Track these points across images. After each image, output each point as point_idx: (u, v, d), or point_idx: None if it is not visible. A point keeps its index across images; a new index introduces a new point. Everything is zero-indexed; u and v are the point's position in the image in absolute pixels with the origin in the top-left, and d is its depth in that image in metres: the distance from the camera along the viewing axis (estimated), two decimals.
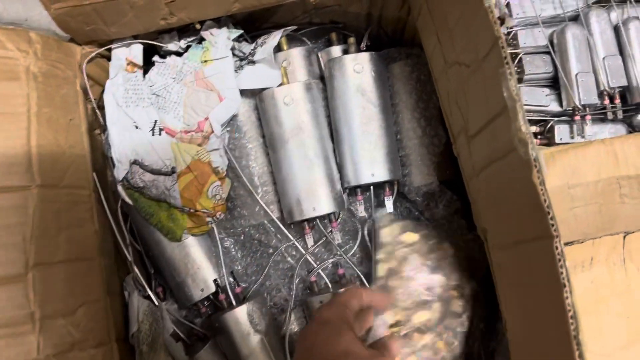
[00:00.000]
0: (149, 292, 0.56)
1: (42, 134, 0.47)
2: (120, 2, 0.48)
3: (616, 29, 0.58)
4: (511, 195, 0.38)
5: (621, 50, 0.57)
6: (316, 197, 0.54)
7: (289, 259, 0.58)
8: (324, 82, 0.60)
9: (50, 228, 0.46)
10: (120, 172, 0.55)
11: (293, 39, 0.62)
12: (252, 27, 0.60)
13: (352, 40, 0.60)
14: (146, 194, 0.55)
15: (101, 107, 0.56)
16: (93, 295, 0.49)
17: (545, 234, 0.34)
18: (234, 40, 0.57)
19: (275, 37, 0.57)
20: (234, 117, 0.58)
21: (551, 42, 0.59)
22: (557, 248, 0.34)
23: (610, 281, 0.48)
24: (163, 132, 0.56)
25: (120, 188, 0.56)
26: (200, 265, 0.57)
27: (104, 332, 0.49)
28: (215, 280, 0.56)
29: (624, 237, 0.48)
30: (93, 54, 0.54)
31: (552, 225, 0.33)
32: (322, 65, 0.60)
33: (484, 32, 0.36)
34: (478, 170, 0.44)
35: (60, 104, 0.50)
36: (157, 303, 0.55)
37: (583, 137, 0.58)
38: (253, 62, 0.57)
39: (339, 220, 0.57)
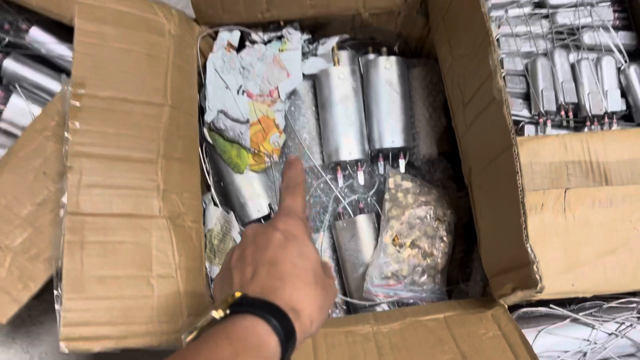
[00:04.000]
0: (219, 205, 0.76)
1: (174, 75, 0.68)
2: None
3: (572, 66, 0.82)
4: (489, 130, 0.60)
5: (575, 79, 0.81)
6: (351, 146, 0.76)
7: (323, 196, 0.78)
8: (362, 78, 0.83)
9: (173, 134, 0.66)
10: (210, 116, 0.76)
11: (341, 48, 0.85)
12: (315, 33, 0.84)
13: (384, 49, 0.83)
14: (224, 135, 0.76)
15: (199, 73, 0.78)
16: (193, 186, 0.69)
17: (509, 144, 0.55)
18: (303, 40, 0.80)
19: (332, 40, 0.81)
20: (296, 92, 0.80)
21: (526, 67, 0.83)
22: (515, 153, 0.54)
23: (553, 223, 0.68)
24: (245, 94, 0.77)
25: (205, 130, 0.77)
26: (259, 193, 0.77)
27: (197, 212, 0.68)
28: (269, 205, 0.76)
29: (565, 191, 0.69)
30: (205, 33, 0.77)
31: (513, 137, 0.54)
32: (361, 65, 0.83)
33: (480, 28, 0.59)
34: (469, 124, 0.65)
35: (186, 59, 0.72)
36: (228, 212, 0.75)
37: (544, 134, 0.80)
38: (315, 55, 0.80)
39: (364, 168, 0.78)
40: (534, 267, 0.51)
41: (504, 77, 0.81)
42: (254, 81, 0.78)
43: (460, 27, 0.66)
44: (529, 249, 0.52)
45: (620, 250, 0.68)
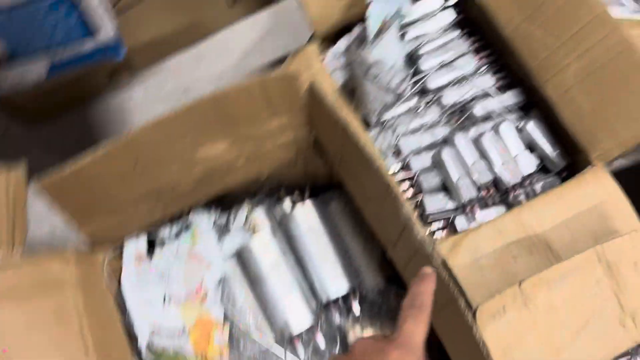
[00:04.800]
0: None
1: (91, 324, 0.63)
2: (131, 214, 0.67)
3: (475, 141, 0.82)
4: None
5: (483, 156, 0.81)
6: (299, 315, 0.72)
7: None
8: (282, 229, 0.79)
9: None
10: (143, 342, 0.70)
11: (253, 207, 0.82)
12: (222, 201, 0.81)
13: (296, 192, 0.81)
14: (166, 354, 0.71)
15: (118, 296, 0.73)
16: None
17: (451, 298, 0.52)
18: (213, 221, 0.77)
19: (243, 211, 0.78)
20: (224, 276, 0.76)
21: (434, 159, 0.82)
22: (461, 306, 0.52)
23: (520, 320, 0.67)
24: (172, 301, 0.72)
25: (145, 355, 0.71)
26: None
27: None
28: None
29: (519, 284, 0.68)
30: (107, 259, 0.72)
31: (454, 292, 0.52)
32: (278, 218, 0.80)
33: (378, 184, 0.57)
34: (404, 264, 0.63)
35: (98, 297, 0.66)
36: None
37: (476, 222, 0.79)
38: (229, 231, 0.77)
39: (319, 325, 0.74)
40: None
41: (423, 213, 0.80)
42: (177, 284, 0.73)
43: (360, 177, 0.65)
44: None
45: (592, 321, 0.67)
